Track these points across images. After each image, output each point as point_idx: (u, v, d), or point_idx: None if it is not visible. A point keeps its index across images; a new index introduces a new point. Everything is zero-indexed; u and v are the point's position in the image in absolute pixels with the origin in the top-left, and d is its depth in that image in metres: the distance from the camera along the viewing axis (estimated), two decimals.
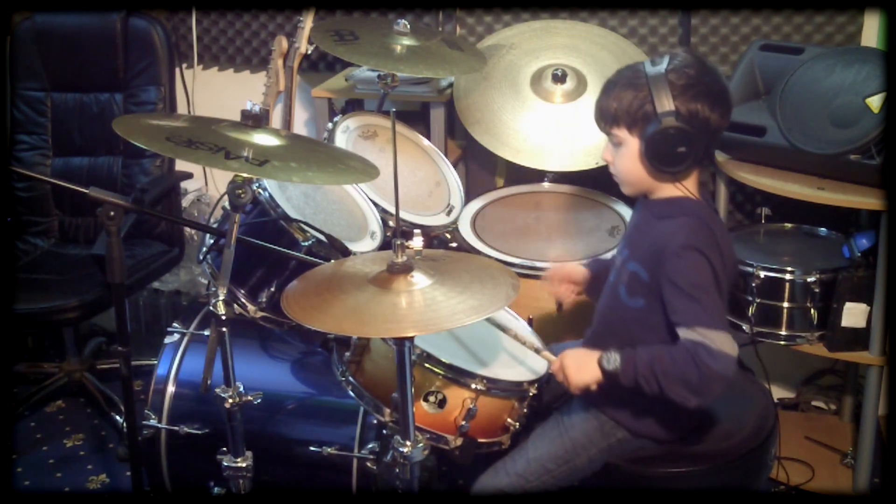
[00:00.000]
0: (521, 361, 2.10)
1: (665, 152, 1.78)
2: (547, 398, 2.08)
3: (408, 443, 1.75)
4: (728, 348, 1.72)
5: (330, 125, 2.57)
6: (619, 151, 1.85)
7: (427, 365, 1.91)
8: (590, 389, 1.86)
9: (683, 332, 1.75)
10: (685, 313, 1.75)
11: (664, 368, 1.74)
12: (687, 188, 1.85)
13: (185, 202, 3.29)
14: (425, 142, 2.77)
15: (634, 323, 1.87)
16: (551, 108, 2.77)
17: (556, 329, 2.41)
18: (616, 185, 1.93)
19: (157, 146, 1.69)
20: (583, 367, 1.84)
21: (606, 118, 1.84)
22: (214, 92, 3.38)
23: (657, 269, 1.80)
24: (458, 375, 1.92)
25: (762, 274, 2.52)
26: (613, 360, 1.80)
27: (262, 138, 1.75)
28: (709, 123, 1.78)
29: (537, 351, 2.00)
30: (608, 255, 2.24)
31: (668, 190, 1.86)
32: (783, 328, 2.55)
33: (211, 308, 1.76)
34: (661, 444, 1.96)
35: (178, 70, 3.25)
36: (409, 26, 2.51)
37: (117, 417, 2.98)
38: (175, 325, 2.37)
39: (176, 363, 2.30)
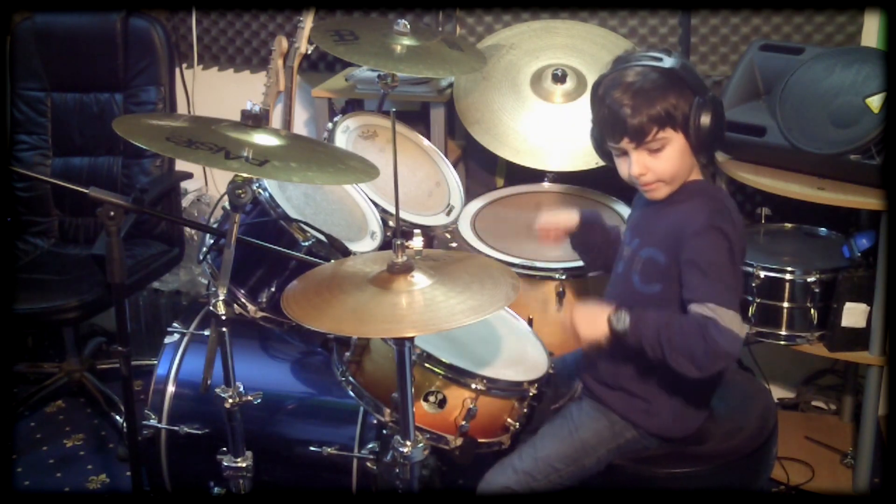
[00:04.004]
0: (522, 361, 2.10)
1: (719, 129, 1.83)
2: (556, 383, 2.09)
3: (408, 443, 1.75)
4: (736, 327, 1.75)
5: (330, 125, 2.57)
6: (660, 155, 1.84)
7: (427, 365, 1.91)
8: (599, 375, 1.90)
9: (695, 307, 1.77)
10: (699, 289, 1.78)
11: (671, 337, 1.77)
12: (697, 169, 1.91)
13: (185, 202, 3.29)
14: (425, 142, 2.77)
15: (650, 309, 1.88)
16: (551, 108, 2.77)
17: (555, 329, 2.40)
18: (616, 185, 1.93)
19: (157, 146, 1.69)
20: (593, 322, 1.86)
21: (652, 126, 1.81)
22: (214, 92, 3.38)
23: (676, 250, 1.83)
24: (458, 375, 1.92)
25: (762, 274, 2.52)
26: (623, 320, 1.82)
27: (262, 138, 1.75)
28: None
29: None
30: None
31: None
32: (783, 328, 2.55)
33: (211, 308, 1.76)
34: (668, 444, 1.97)
35: (178, 70, 3.25)
36: (409, 26, 2.50)
37: (117, 417, 2.98)
38: (175, 325, 2.37)
39: (176, 363, 2.30)
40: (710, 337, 1.73)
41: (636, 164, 1.86)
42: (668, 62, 1.82)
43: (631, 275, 1.93)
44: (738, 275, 1.83)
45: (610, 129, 1.87)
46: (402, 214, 2.41)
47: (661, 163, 1.85)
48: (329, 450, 2.15)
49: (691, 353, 1.76)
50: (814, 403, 3.08)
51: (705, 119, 1.80)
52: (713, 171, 2.82)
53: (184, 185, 3.18)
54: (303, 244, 2.11)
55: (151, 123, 1.85)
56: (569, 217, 2.17)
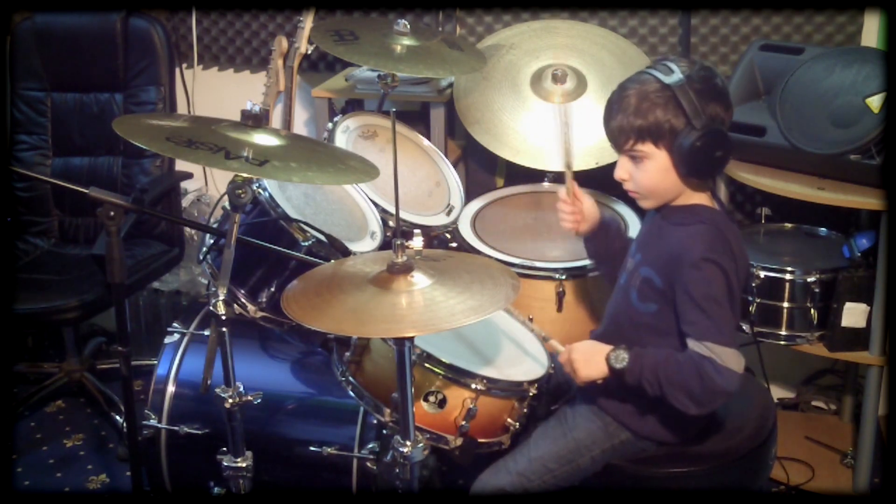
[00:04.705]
0: (522, 361, 2.10)
1: (706, 159, 1.78)
2: (552, 387, 2.08)
3: (408, 443, 1.75)
4: (734, 364, 1.74)
5: (330, 125, 2.57)
6: (641, 167, 1.83)
7: (427, 365, 1.91)
8: (595, 383, 1.87)
9: (693, 344, 1.77)
10: (696, 325, 1.77)
11: (668, 375, 1.76)
12: (708, 194, 1.87)
13: (185, 202, 3.29)
14: (425, 142, 2.77)
15: (644, 327, 1.88)
16: (551, 108, 2.77)
17: (556, 329, 2.40)
18: (616, 185, 1.93)
19: (157, 146, 1.69)
20: (591, 360, 1.85)
21: (629, 136, 1.81)
22: (214, 92, 3.38)
23: (672, 276, 1.81)
24: (458, 375, 1.92)
25: (762, 274, 2.52)
26: (622, 358, 1.81)
27: (262, 138, 1.75)
28: (724, 124, 1.81)
29: (544, 340, 2.00)
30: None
31: (687, 197, 1.87)
32: (783, 328, 2.55)
33: (211, 308, 1.76)
34: (664, 446, 1.97)
35: (178, 70, 3.25)
36: (409, 26, 2.51)
37: (117, 417, 2.98)
38: (175, 325, 2.37)
39: (176, 363, 2.30)
40: (708, 376, 1.73)
41: (618, 168, 1.87)
42: (671, 78, 1.77)
43: (630, 290, 1.92)
44: (736, 308, 1.80)
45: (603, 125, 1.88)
46: (402, 214, 2.41)
47: (640, 174, 1.84)
48: (329, 450, 2.15)
49: (689, 391, 1.75)
50: (814, 403, 3.08)
51: (685, 146, 1.76)
52: None
53: (184, 185, 3.18)
54: (303, 244, 2.11)
55: (151, 123, 1.86)
56: (592, 205, 2.10)
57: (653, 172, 1.83)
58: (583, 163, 2.69)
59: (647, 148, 1.80)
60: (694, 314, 1.77)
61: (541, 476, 1.94)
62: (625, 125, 1.80)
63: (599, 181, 2.71)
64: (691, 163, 1.78)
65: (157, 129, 1.80)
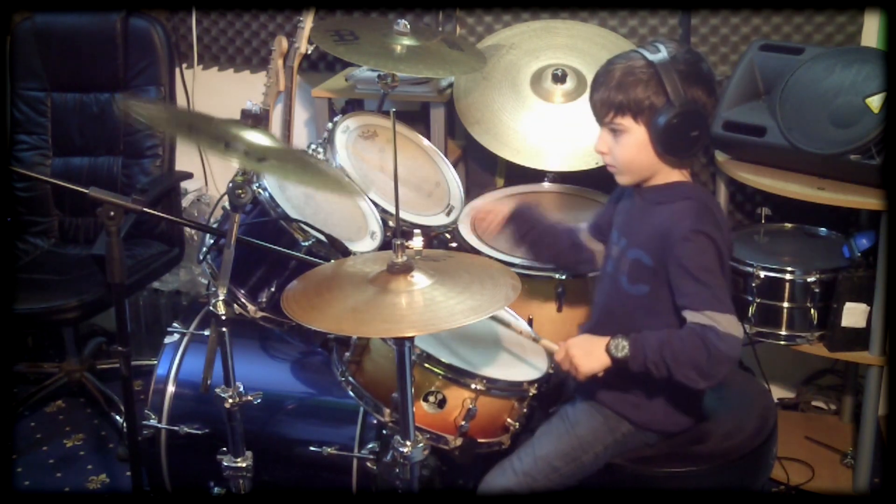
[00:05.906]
0: (521, 361, 2.10)
1: (681, 137, 1.81)
2: (554, 385, 2.09)
3: (408, 443, 1.75)
4: (734, 330, 1.75)
5: (330, 125, 2.57)
6: (619, 140, 1.85)
7: (427, 365, 1.91)
8: (596, 377, 1.86)
9: (692, 316, 1.77)
10: (694, 296, 1.77)
11: (674, 352, 1.76)
12: (686, 171, 1.89)
13: (185, 202, 3.29)
14: (425, 142, 2.77)
15: (638, 310, 1.88)
16: (551, 108, 2.77)
17: (555, 329, 2.40)
18: (616, 185, 1.93)
19: (159, 125, 1.68)
20: (591, 353, 1.85)
21: (609, 109, 1.84)
22: (214, 92, 3.38)
23: (663, 253, 1.82)
24: (457, 375, 1.92)
25: (762, 274, 2.52)
26: (622, 346, 1.81)
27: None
28: (706, 108, 1.84)
29: (536, 340, 2.00)
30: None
31: (666, 176, 1.88)
32: (783, 328, 2.55)
33: (211, 308, 1.76)
34: (665, 438, 1.97)
35: (178, 70, 3.25)
36: (409, 26, 2.51)
37: (117, 417, 2.98)
38: (175, 325, 2.37)
39: (176, 363, 2.30)
40: (712, 344, 1.73)
41: (599, 140, 1.89)
42: (656, 56, 1.80)
43: (619, 276, 1.92)
44: (728, 278, 1.82)
45: None
46: (402, 214, 2.41)
47: (619, 148, 1.86)
48: (329, 450, 2.15)
49: (696, 364, 1.75)
50: (814, 403, 3.08)
51: (662, 122, 1.79)
52: (713, 171, 2.82)
53: (184, 185, 3.17)
54: (303, 244, 2.11)
55: (154, 106, 1.84)
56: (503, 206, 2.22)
57: (630, 147, 1.85)
58: (583, 162, 2.70)
59: (626, 122, 1.83)
60: (690, 286, 1.78)
61: (547, 475, 1.94)
62: (606, 98, 1.83)
63: (599, 181, 2.71)
64: (667, 140, 1.81)
65: (159, 110, 1.78)
